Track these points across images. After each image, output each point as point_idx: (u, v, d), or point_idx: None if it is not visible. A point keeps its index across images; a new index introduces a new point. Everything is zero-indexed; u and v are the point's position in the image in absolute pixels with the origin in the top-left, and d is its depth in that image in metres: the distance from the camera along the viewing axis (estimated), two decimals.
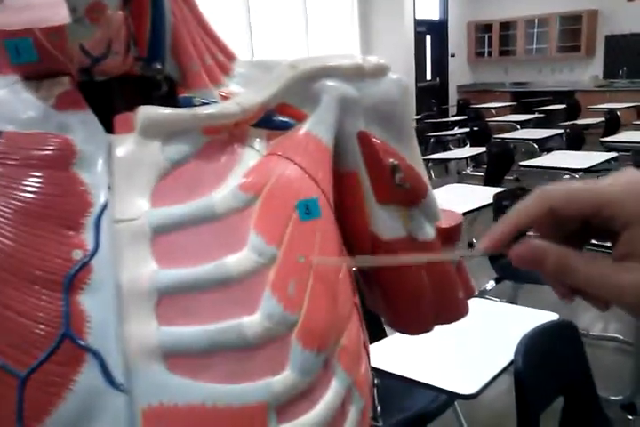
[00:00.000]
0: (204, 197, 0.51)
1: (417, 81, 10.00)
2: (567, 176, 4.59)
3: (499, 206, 3.23)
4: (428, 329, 0.70)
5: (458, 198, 3.55)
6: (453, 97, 11.10)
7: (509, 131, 6.93)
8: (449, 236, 0.68)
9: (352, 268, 0.62)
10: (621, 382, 2.56)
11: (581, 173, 4.48)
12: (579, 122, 7.22)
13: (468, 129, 7.26)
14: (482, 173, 5.69)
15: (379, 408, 0.57)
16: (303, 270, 0.52)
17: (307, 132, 0.58)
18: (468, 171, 7.01)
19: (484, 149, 5.53)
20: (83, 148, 0.49)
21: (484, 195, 3.46)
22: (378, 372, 1.68)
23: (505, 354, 1.61)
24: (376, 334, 1.91)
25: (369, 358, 0.63)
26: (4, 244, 0.45)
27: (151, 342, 0.46)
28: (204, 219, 0.50)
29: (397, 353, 1.77)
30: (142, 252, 0.48)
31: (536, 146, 6.17)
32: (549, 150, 5.89)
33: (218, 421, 0.46)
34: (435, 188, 3.53)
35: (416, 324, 0.70)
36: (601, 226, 0.38)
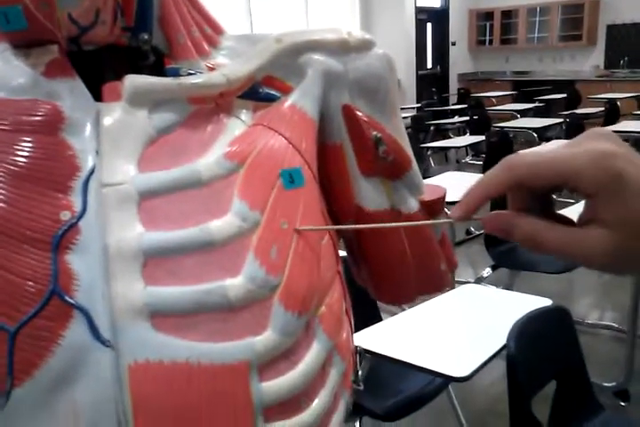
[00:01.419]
0: (189, 164, 0.52)
1: (417, 69, 9.96)
2: None
3: None
4: (411, 299, 0.71)
5: (456, 186, 3.54)
6: (454, 85, 11.05)
7: (509, 120, 6.92)
8: (432, 209, 0.70)
9: (333, 232, 0.63)
10: (615, 370, 2.58)
11: None
12: (578, 111, 7.18)
13: (467, 118, 7.25)
14: (481, 162, 5.69)
15: (360, 373, 0.58)
16: (286, 236, 0.53)
17: (292, 104, 0.59)
18: (468, 159, 7.01)
19: (483, 137, 5.53)
20: (71, 114, 0.50)
21: None
22: (373, 355, 1.69)
23: (498, 339, 1.62)
24: (371, 318, 1.93)
25: (351, 325, 0.64)
26: None
27: (137, 301, 0.47)
28: (189, 185, 0.51)
29: (392, 336, 1.79)
30: (129, 215, 0.49)
31: (535, 135, 6.14)
32: (548, 140, 5.86)
33: (201, 377, 0.48)
34: (434, 175, 3.51)
35: (399, 293, 0.72)
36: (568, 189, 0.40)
